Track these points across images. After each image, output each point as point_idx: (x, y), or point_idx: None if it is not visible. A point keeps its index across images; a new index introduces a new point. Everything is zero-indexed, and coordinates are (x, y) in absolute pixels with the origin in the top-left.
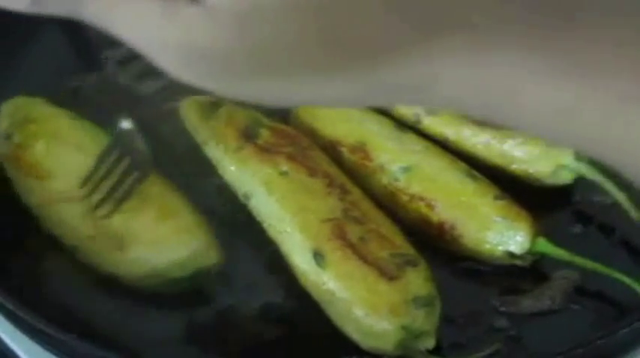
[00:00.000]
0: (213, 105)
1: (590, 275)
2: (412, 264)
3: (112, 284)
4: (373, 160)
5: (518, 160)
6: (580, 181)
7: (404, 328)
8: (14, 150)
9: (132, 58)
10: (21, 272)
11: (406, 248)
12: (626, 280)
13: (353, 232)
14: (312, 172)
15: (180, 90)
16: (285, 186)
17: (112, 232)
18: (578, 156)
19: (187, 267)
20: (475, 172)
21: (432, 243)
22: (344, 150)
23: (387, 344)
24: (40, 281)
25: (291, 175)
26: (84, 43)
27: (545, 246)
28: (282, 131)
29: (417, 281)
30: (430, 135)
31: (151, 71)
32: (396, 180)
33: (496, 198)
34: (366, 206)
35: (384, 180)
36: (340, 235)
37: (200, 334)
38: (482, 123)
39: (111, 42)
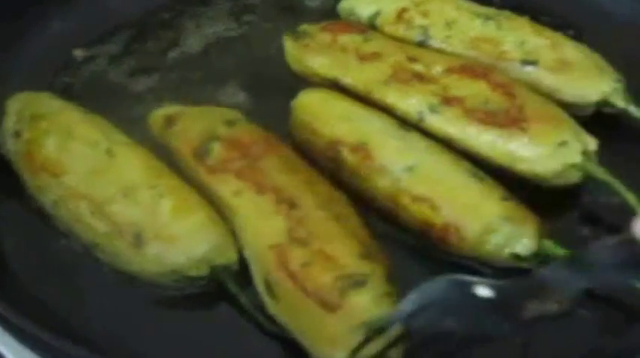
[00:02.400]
0: (170, 120)
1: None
2: (359, 284)
3: (105, 288)
4: (374, 160)
5: (525, 160)
6: (588, 182)
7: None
8: (25, 147)
9: (123, 54)
10: (13, 277)
11: (354, 264)
12: (636, 283)
13: (296, 258)
14: (260, 189)
15: (171, 88)
16: (239, 207)
17: (127, 228)
18: (587, 156)
19: (204, 264)
20: (480, 172)
21: (435, 246)
22: (344, 149)
23: None
24: (33, 287)
25: (243, 194)
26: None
27: (551, 248)
28: (235, 142)
29: (363, 304)
30: (434, 134)
31: (142, 68)
32: (399, 180)
33: (502, 199)
34: (316, 219)
35: (386, 180)
36: (284, 263)
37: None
38: (487, 122)
39: (100, 38)
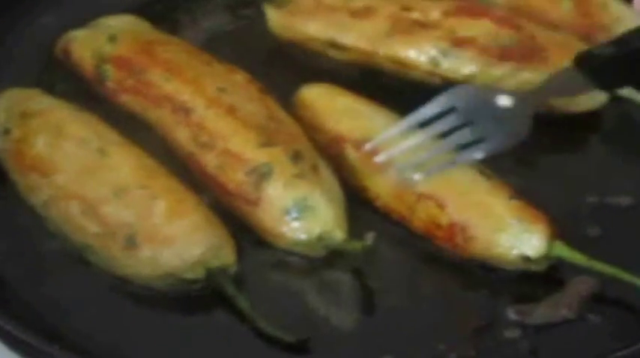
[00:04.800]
0: (66, 51)
1: (609, 281)
2: (265, 175)
3: (97, 292)
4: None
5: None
6: (598, 176)
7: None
8: (14, 145)
9: None
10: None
11: (255, 156)
12: None
13: (209, 162)
14: (157, 101)
15: None
16: (155, 124)
17: (120, 230)
18: None
19: (200, 266)
20: (488, 171)
21: (441, 246)
22: (347, 146)
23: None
24: (23, 290)
25: (149, 111)
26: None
27: (562, 249)
28: (120, 59)
29: (277, 194)
30: (453, 79)
31: None
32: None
33: (511, 198)
34: (210, 119)
35: (390, 178)
36: (203, 170)
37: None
38: (505, 57)
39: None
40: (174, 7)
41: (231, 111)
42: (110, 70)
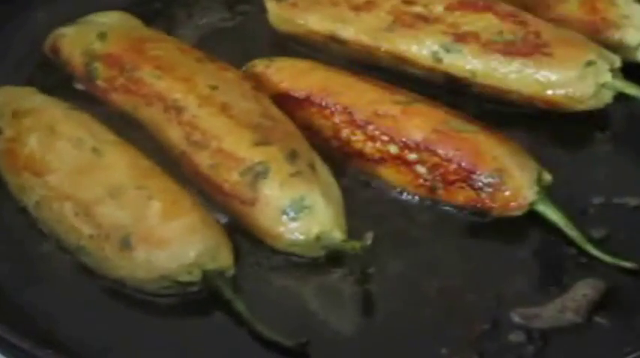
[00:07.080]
0: (54, 49)
1: (618, 283)
2: (262, 175)
3: (91, 295)
4: None
5: (555, 84)
6: (605, 177)
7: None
8: (6, 144)
9: None
10: None
11: (250, 155)
12: None
13: (203, 161)
14: (148, 100)
15: None
16: (145, 122)
17: (115, 231)
18: (615, 74)
19: (197, 269)
20: None
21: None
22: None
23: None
24: (15, 294)
25: (140, 109)
26: None
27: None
28: (110, 57)
29: (274, 194)
30: (456, 74)
31: None
32: None
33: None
34: (203, 117)
35: None
36: (195, 170)
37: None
38: (508, 52)
39: None
40: (170, 3)
41: (224, 109)
42: (100, 69)
